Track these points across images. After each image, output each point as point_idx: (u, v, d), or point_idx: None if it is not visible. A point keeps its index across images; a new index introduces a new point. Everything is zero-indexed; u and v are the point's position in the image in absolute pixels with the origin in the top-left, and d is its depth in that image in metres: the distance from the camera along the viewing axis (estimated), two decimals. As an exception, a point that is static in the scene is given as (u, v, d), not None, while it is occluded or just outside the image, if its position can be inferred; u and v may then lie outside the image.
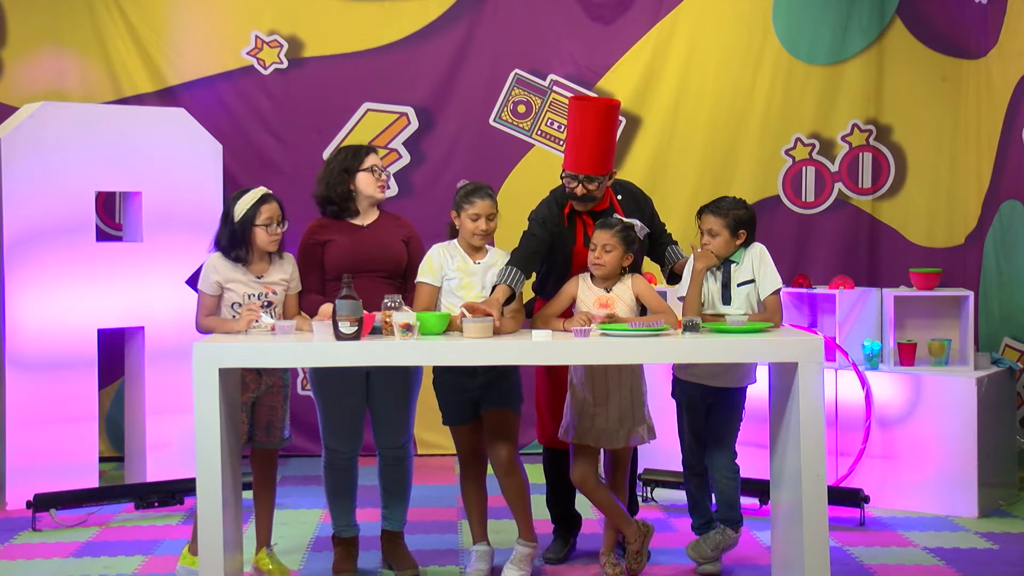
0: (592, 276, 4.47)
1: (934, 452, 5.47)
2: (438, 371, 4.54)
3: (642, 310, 4.46)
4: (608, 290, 4.44)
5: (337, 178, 4.61)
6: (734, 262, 4.51)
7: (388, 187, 4.72)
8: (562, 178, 4.60)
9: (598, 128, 4.51)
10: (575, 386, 4.50)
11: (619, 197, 4.71)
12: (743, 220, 4.49)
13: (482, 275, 4.43)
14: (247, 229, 4.38)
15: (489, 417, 4.50)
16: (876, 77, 6.96)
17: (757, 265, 4.49)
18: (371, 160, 4.64)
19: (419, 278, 4.46)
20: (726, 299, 4.49)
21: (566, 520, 4.93)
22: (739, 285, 4.49)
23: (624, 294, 4.43)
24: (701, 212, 4.55)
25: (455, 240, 4.51)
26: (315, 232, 4.62)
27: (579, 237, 4.64)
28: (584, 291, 4.46)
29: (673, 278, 4.77)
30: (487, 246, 4.52)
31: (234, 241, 4.39)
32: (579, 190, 4.54)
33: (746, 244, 4.52)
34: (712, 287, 4.51)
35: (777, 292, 4.47)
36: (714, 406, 4.63)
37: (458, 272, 4.42)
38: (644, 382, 4.54)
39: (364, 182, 4.61)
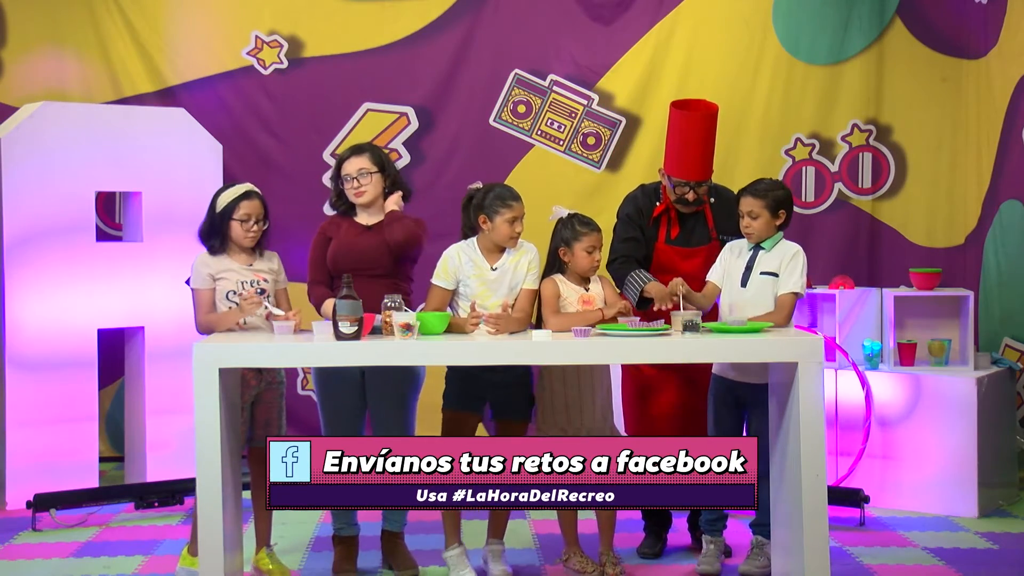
0: (565, 274, 4.51)
1: (934, 452, 5.47)
2: None
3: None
4: (587, 289, 4.50)
5: (334, 182, 4.70)
6: (763, 248, 4.52)
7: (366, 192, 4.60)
8: (674, 185, 4.70)
9: (706, 135, 4.72)
10: (555, 391, 4.53)
11: (712, 200, 4.83)
12: (782, 200, 4.53)
13: (501, 281, 4.42)
14: (225, 221, 4.44)
15: (499, 426, 4.57)
16: (876, 77, 6.95)
17: (786, 263, 4.48)
18: (347, 167, 4.60)
19: (433, 280, 4.47)
20: (744, 281, 4.50)
21: (657, 516, 4.96)
22: (761, 273, 4.49)
23: (598, 291, 4.51)
24: (739, 195, 4.59)
25: (474, 240, 4.50)
26: (326, 228, 4.68)
27: (661, 234, 4.77)
28: (565, 290, 4.48)
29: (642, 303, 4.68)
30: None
31: (212, 231, 4.47)
32: (691, 196, 4.72)
33: (783, 227, 4.54)
34: (736, 264, 4.54)
35: (793, 295, 4.45)
36: (749, 407, 4.60)
37: (474, 280, 4.42)
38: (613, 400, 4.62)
39: (346, 188, 4.64)
